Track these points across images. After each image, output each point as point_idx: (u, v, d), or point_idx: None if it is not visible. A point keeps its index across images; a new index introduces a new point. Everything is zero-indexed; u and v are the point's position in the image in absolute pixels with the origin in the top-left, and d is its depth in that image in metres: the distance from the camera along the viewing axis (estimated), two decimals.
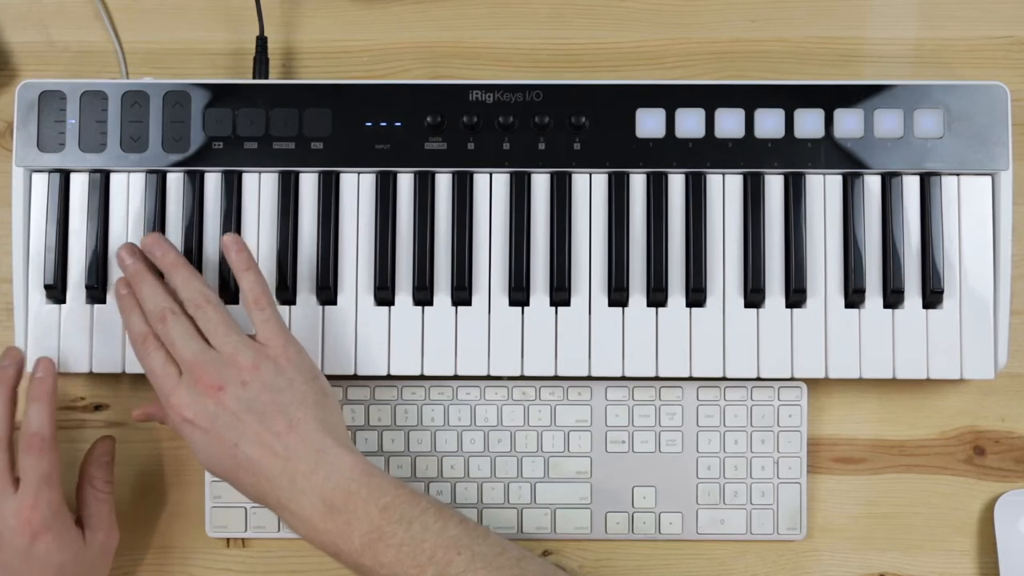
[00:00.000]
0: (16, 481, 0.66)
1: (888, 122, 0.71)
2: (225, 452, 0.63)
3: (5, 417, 0.67)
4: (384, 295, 0.71)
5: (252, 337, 0.67)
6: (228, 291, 0.71)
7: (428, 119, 0.72)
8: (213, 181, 0.72)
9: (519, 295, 0.71)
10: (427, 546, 0.61)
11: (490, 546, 0.62)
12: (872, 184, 0.72)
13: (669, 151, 0.72)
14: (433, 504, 0.63)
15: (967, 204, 0.72)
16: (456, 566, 0.60)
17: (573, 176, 0.72)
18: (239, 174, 0.72)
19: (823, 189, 0.72)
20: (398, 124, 0.72)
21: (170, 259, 0.68)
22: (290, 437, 0.63)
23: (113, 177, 0.72)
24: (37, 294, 0.72)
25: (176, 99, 0.72)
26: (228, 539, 0.75)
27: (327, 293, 0.72)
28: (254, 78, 0.75)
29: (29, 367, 0.70)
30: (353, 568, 0.62)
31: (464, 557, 0.60)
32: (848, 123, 0.72)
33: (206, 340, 0.65)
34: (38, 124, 0.72)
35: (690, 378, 0.72)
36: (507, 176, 0.72)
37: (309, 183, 0.72)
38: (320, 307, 0.72)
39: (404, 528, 0.61)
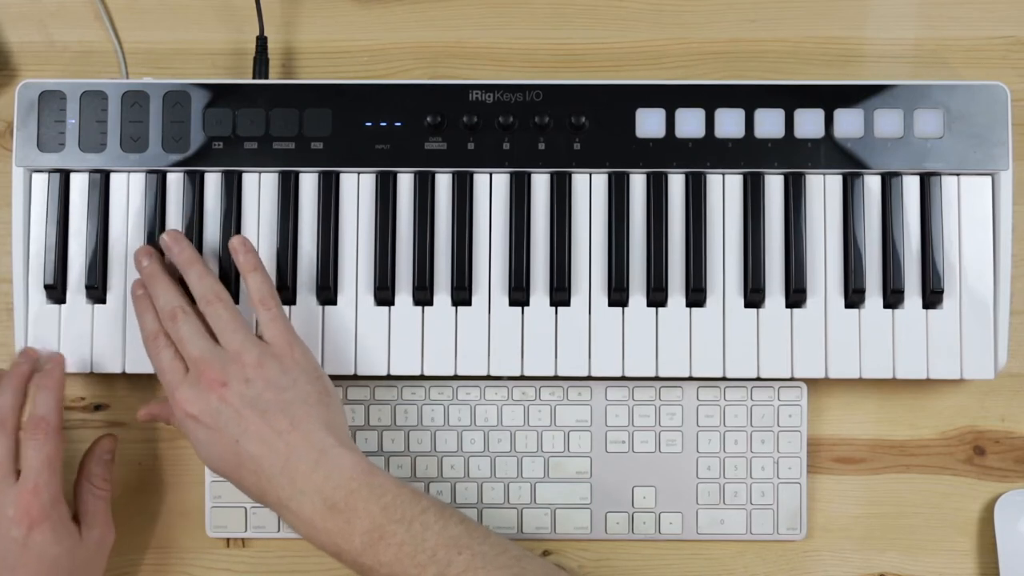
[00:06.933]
0: (18, 473, 0.66)
1: (888, 122, 0.71)
2: (227, 449, 0.64)
3: (14, 407, 0.67)
4: (384, 295, 0.71)
5: (259, 336, 0.67)
6: (228, 290, 0.71)
7: (428, 119, 0.72)
8: (213, 181, 0.72)
9: (519, 295, 0.71)
10: (428, 545, 0.61)
11: (491, 545, 0.62)
12: (872, 184, 0.72)
13: (669, 151, 0.72)
14: (434, 503, 0.63)
15: (967, 204, 0.72)
16: (457, 565, 0.60)
17: (573, 176, 0.72)
18: (239, 174, 0.72)
19: (823, 189, 0.72)
20: (398, 124, 0.72)
21: (186, 256, 0.69)
22: (292, 435, 0.63)
23: (113, 177, 0.72)
24: (37, 294, 0.72)
25: (176, 99, 0.72)
26: (228, 539, 0.75)
27: (327, 293, 0.72)
28: (254, 78, 0.75)
29: None
30: (354, 567, 0.62)
31: (465, 556, 0.60)
32: (848, 123, 0.72)
33: (215, 339, 0.66)
34: (38, 124, 0.72)
35: (690, 378, 0.72)
36: (507, 176, 0.72)
37: (309, 183, 0.72)
38: (320, 307, 0.72)
39: (405, 527, 0.61)
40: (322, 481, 0.62)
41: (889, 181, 0.72)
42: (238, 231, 0.72)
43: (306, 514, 0.62)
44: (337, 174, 0.72)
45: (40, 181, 0.72)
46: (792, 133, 0.72)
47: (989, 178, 0.72)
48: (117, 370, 0.71)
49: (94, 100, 0.72)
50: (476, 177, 0.72)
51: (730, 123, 0.72)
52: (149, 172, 0.72)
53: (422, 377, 0.72)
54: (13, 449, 0.66)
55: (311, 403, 0.65)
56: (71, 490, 0.71)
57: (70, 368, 0.71)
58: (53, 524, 0.65)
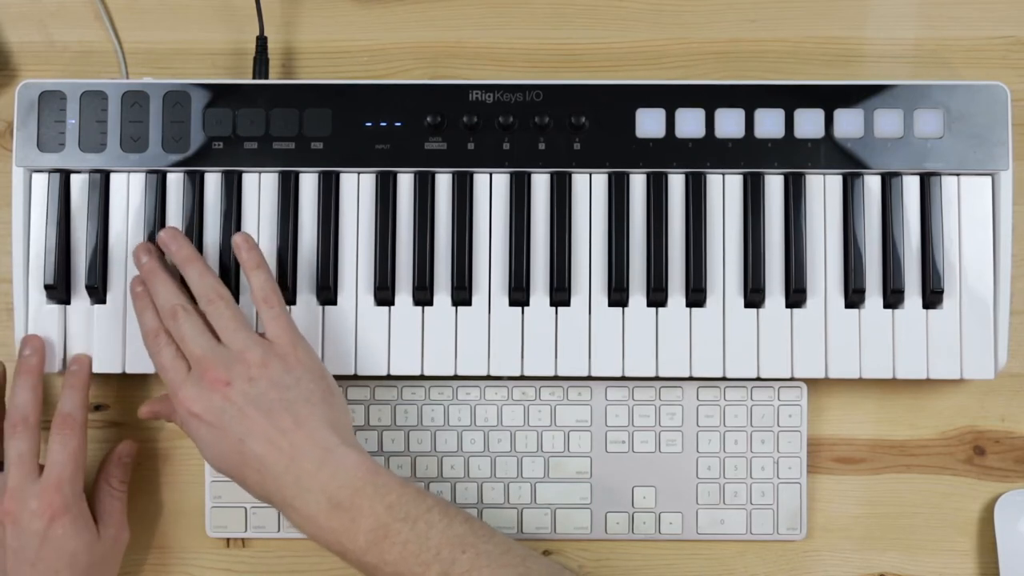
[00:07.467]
0: (41, 468, 0.68)
1: (888, 122, 0.72)
2: (231, 448, 0.63)
3: (35, 403, 0.68)
4: (384, 295, 0.71)
5: (261, 335, 0.67)
6: (229, 289, 0.71)
7: (428, 119, 0.72)
8: (213, 181, 0.72)
9: (519, 295, 0.71)
10: (432, 544, 0.61)
11: (495, 544, 0.62)
12: (872, 184, 0.72)
13: (669, 151, 0.72)
14: (439, 502, 0.63)
15: (967, 204, 0.72)
16: (461, 564, 0.60)
17: (573, 176, 0.72)
18: (239, 174, 0.72)
19: (823, 189, 0.72)
20: (398, 124, 0.72)
21: (184, 254, 0.69)
22: (296, 434, 0.63)
23: (113, 177, 0.72)
24: (37, 294, 0.72)
25: (176, 99, 0.72)
26: (228, 539, 0.76)
27: (327, 293, 0.72)
28: (254, 78, 0.75)
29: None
30: (358, 566, 0.62)
31: (469, 555, 0.60)
32: (848, 123, 0.72)
33: (217, 336, 0.66)
34: (38, 124, 0.72)
35: (690, 378, 0.72)
36: (507, 176, 0.72)
37: (309, 183, 0.72)
38: (320, 307, 0.72)
39: (409, 526, 0.61)
40: (327, 480, 0.62)
41: (889, 181, 0.72)
42: (238, 231, 0.72)
43: (311, 513, 0.62)
44: (337, 174, 0.72)
45: (40, 181, 0.72)
46: (792, 133, 0.72)
47: (989, 178, 0.72)
48: (117, 370, 0.71)
49: (94, 100, 0.72)
50: (476, 177, 0.72)
51: (730, 123, 0.72)
52: (149, 172, 0.72)
53: (422, 377, 0.72)
54: (37, 445, 0.68)
55: (315, 402, 0.65)
56: (90, 491, 0.71)
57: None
58: (73, 518, 0.67)
